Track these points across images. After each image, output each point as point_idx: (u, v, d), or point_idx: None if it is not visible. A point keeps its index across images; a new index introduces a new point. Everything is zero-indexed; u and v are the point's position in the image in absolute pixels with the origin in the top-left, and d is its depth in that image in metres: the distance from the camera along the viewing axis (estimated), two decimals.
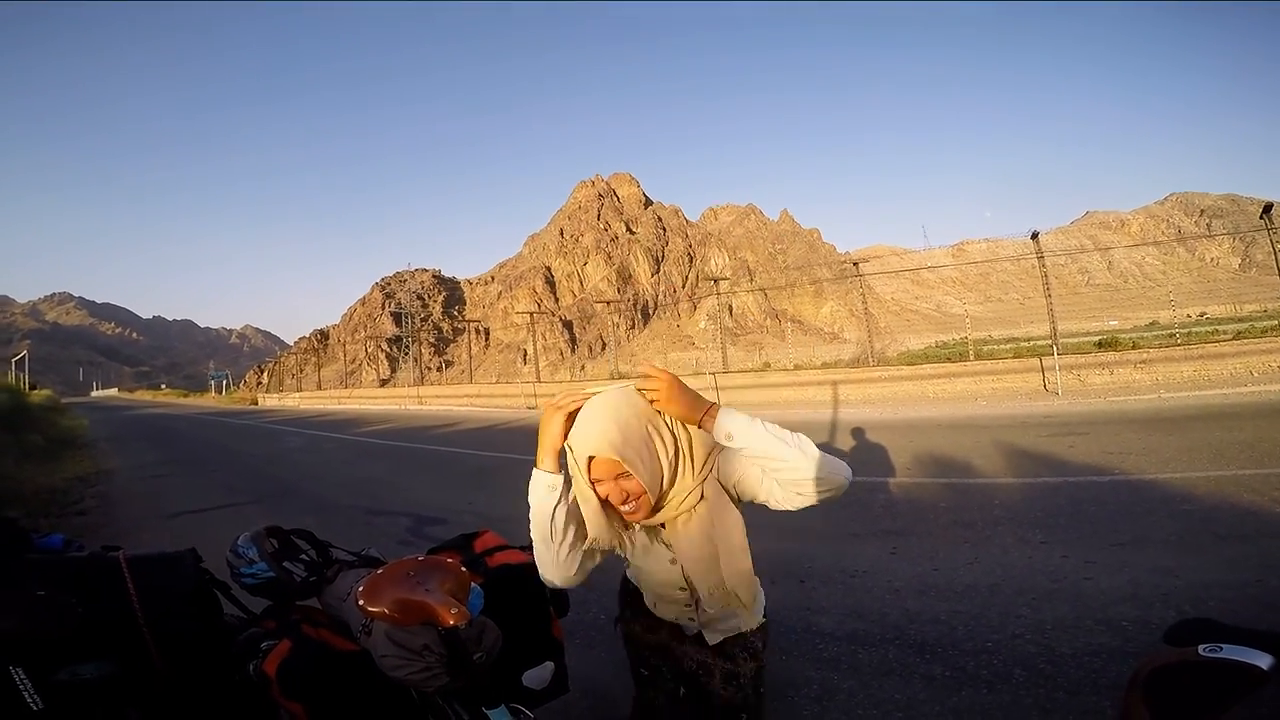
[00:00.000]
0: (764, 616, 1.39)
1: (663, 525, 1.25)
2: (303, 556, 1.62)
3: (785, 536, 3.85)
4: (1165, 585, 2.86)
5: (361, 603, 1.18)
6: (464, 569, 1.32)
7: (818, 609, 2.88)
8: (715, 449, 1.23)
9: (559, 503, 1.20)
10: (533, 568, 1.53)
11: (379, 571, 1.29)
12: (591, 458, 1.16)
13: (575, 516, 1.22)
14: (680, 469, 1.21)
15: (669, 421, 1.21)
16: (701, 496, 1.21)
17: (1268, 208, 12.50)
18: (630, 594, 1.46)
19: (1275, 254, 11.79)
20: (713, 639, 1.33)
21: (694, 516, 1.22)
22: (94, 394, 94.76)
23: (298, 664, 1.27)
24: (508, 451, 8.88)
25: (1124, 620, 2.56)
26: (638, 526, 1.26)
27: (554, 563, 1.23)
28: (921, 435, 7.62)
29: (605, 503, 1.20)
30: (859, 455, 6.70)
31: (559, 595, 1.63)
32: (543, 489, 1.21)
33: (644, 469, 1.16)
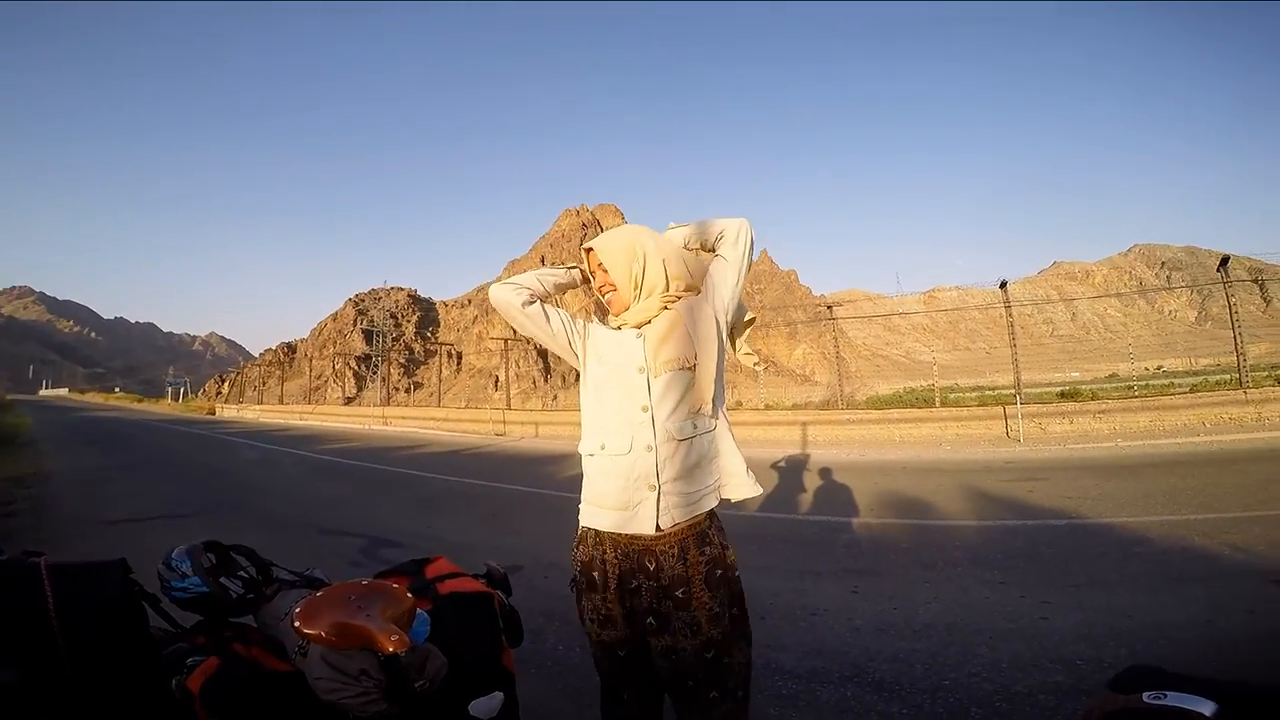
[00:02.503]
0: (725, 498, 1.50)
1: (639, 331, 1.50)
2: (241, 573, 1.55)
3: (749, 573, 3.80)
4: (1119, 625, 2.90)
5: (298, 624, 1.14)
6: (410, 595, 1.28)
7: (778, 646, 2.84)
8: (705, 281, 1.56)
9: (562, 276, 1.61)
10: (485, 597, 1.50)
11: (319, 594, 1.24)
12: (588, 249, 1.57)
13: (552, 293, 1.61)
14: (649, 278, 1.48)
15: (652, 249, 1.50)
16: (667, 308, 1.48)
17: (1224, 260, 12.76)
18: (584, 559, 1.48)
19: (1229, 307, 12.08)
20: (666, 520, 1.38)
21: (667, 313, 1.48)
22: (42, 392, 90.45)
23: (224, 682, 1.20)
24: (473, 477, 8.69)
25: (1079, 659, 2.58)
26: (617, 324, 1.53)
27: (525, 283, 1.56)
28: (886, 477, 7.69)
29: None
30: (825, 495, 6.71)
31: (512, 625, 1.59)
32: (564, 267, 1.64)
33: (615, 266, 1.50)
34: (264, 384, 52.32)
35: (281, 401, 39.85)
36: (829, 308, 18.37)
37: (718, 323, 1.52)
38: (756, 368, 1.60)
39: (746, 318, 1.64)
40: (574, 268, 1.63)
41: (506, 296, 1.54)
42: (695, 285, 1.54)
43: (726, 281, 1.54)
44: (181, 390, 59.39)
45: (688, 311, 1.49)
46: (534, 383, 62.58)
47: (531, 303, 1.54)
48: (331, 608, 1.16)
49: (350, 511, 6.43)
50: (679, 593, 1.38)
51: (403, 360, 72.81)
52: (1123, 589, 3.40)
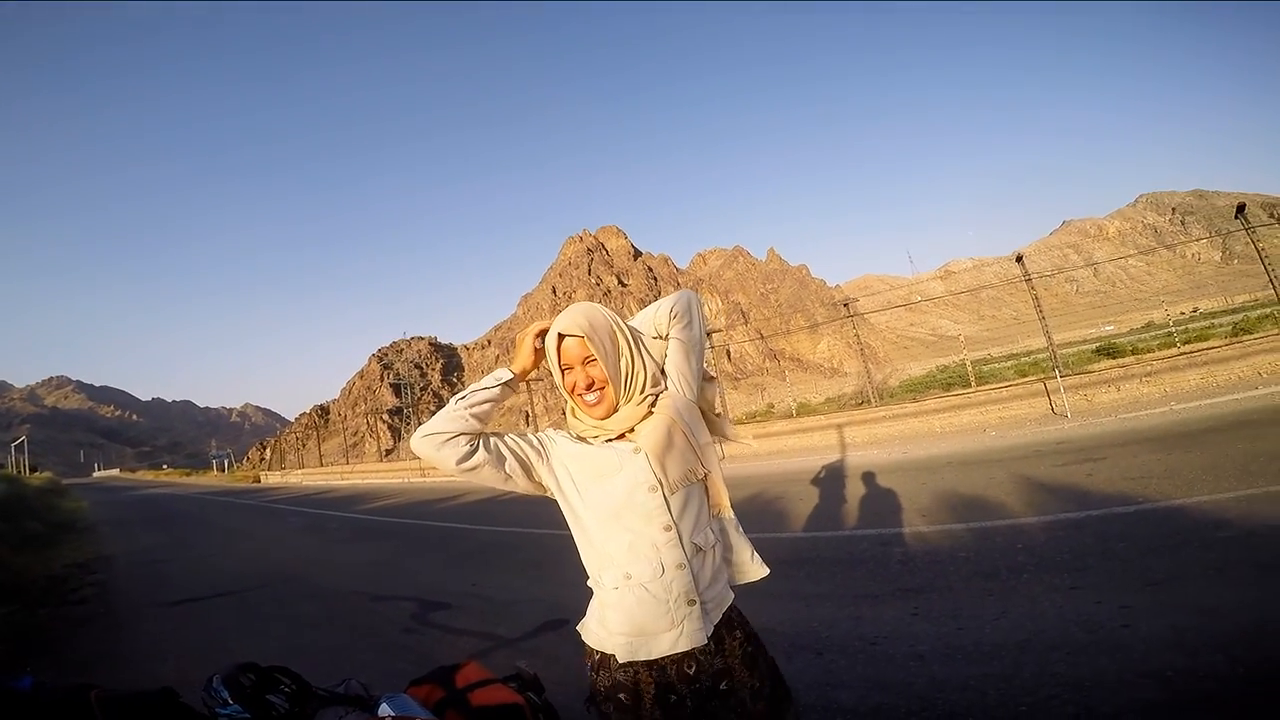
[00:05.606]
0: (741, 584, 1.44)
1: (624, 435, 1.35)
2: (282, 688, 1.55)
3: (798, 601, 3.70)
4: (1211, 627, 2.69)
5: None
6: None
7: (837, 683, 2.73)
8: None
9: (496, 395, 1.34)
10: (515, 709, 1.45)
11: None
12: (562, 337, 1.33)
13: (493, 416, 1.33)
14: (636, 373, 1.35)
15: (634, 337, 1.38)
16: (654, 403, 1.35)
17: (1240, 208, 13.26)
18: (606, 676, 1.34)
19: (1258, 252, 12.02)
20: (709, 626, 1.31)
21: (655, 415, 1.34)
22: (95, 474, 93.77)
23: None
24: (511, 525, 8.65)
25: (1170, 670, 2.40)
26: (598, 441, 1.36)
27: (446, 429, 1.27)
28: (933, 475, 7.45)
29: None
30: (872, 504, 6.51)
31: None
32: (492, 379, 1.37)
33: (607, 357, 1.31)
34: (303, 447, 53.42)
35: (321, 463, 40.60)
36: (845, 305, 18.20)
37: (703, 415, 1.44)
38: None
39: (710, 390, 1.53)
40: (499, 383, 1.37)
41: (432, 452, 1.27)
42: (660, 377, 1.42)
43: (690, 367, 1.42)
44: (226, 462, 60.93)
45: (678, 413, 1.35)
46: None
47: (471, 453, 1.27)
48: None
49: (397, 574, 6.46)
50: (722, 686, 1.32)
51: (432, 408, 73.79)
52: (1209, 583, 3.15)
